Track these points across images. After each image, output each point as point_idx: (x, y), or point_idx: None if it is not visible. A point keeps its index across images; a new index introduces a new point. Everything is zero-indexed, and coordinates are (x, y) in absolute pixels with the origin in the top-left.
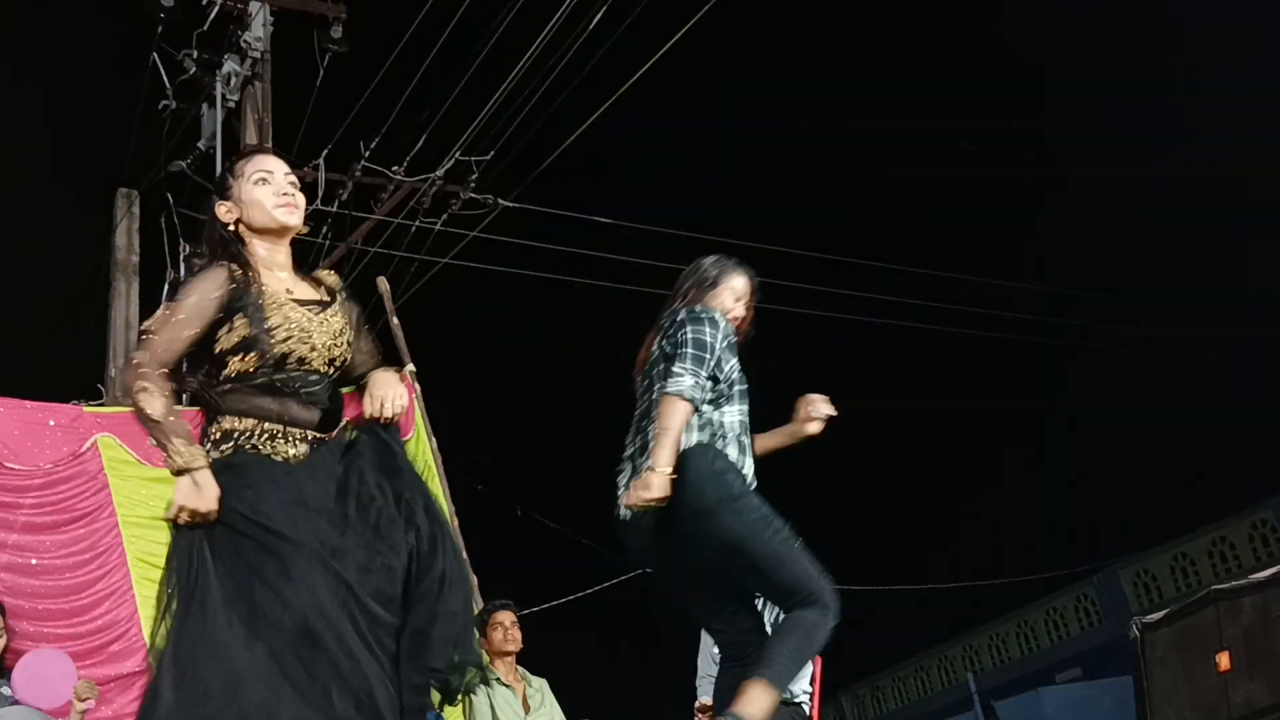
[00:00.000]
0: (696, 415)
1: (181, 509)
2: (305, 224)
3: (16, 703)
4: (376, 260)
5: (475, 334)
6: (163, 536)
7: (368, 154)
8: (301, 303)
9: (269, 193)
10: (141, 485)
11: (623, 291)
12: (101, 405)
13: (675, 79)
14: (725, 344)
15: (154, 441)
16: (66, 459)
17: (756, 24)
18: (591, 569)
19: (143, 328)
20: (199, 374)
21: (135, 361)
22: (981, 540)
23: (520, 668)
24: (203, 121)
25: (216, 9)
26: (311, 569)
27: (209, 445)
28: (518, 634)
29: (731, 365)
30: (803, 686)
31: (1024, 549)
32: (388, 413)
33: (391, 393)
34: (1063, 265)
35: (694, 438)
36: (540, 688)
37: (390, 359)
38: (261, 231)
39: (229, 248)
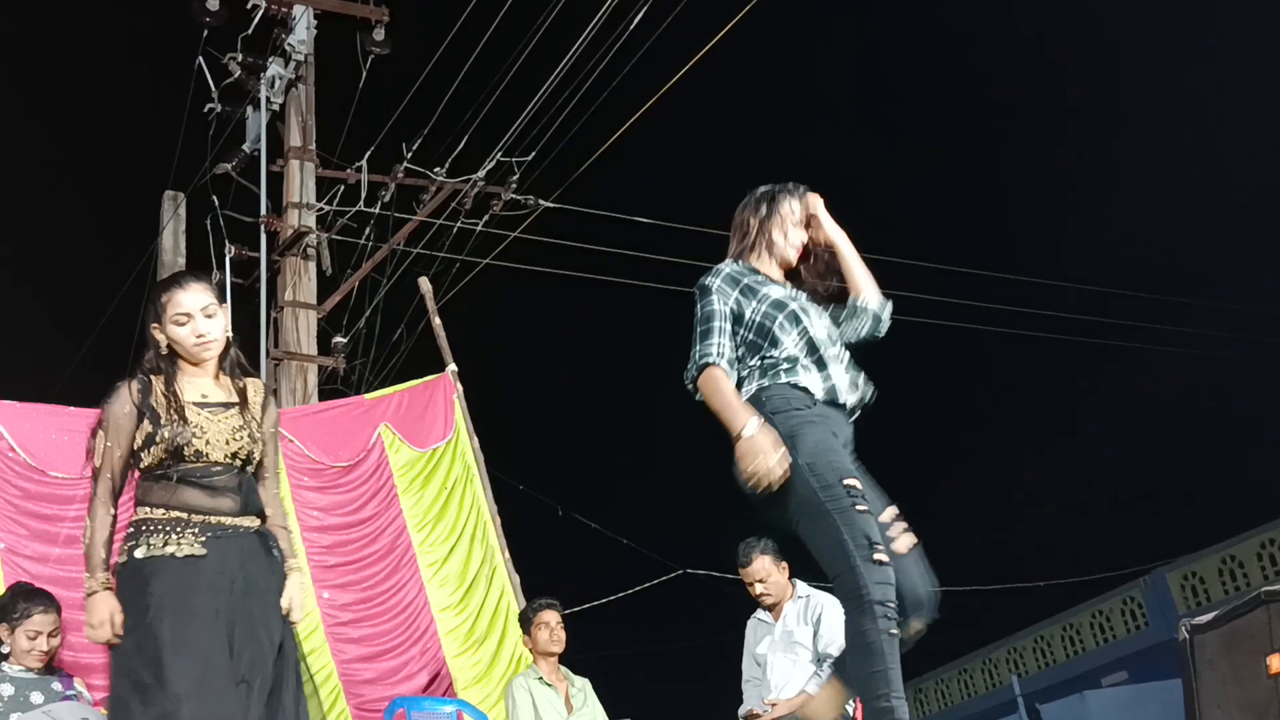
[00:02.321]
0: (745, 368)
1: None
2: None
3: (68, 698)
4: (419, 261)
5: (517, 334)
6: None
7: (410, 156)
8: (203, 405)
9: (187, 333)
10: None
11: (664, 292)
12: None
13: (716, 79)
14: (733, 292)
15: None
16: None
17: (798, 24)
18: (633, 569)
19: (91, 463)
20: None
21: (92, 494)
22: (1026, 542)
23: (563, 667)
24: (247, 124)
25: (261, 13)
26: (201, 630)
27: (127, 538)
28: (562, 634)
29: (757, 301)
30: None
31: (1070, 551)
32: (294, 618)
33: (298, 603)
34: (1103, 262)
35: (750, 388)
36: (583, 688)
37: (432, 359)
38: (184, 359)
39: (155, 361)
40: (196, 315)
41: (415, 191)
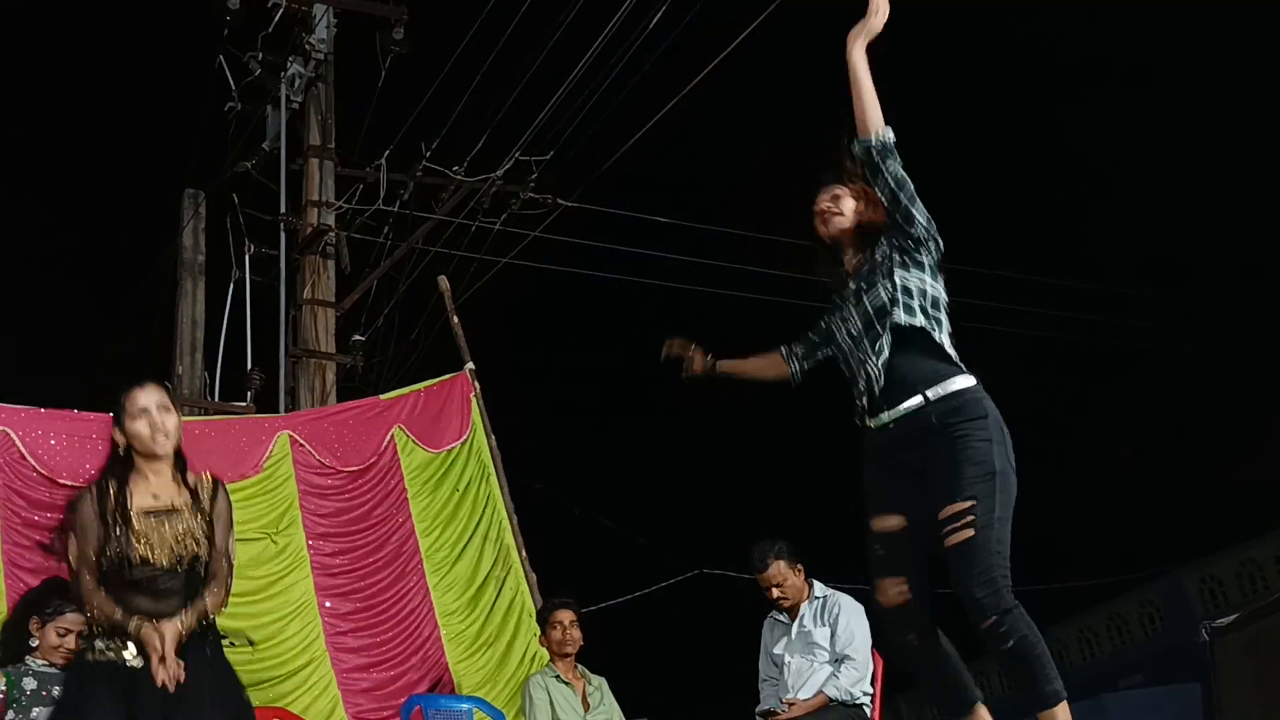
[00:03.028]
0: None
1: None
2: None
3: None
4: (437, 260)
5: (534, 333)
6: None
7: (429, 154)
8: (151, 512)
9: (144, 427)
10: None
11: (682, 291)
12: None
13: (736, 80)
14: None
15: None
16: None
17: (820, 24)
18: (650, 568)
19: (65, 564)
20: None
21: (81, 588)
22: (1043, 544)
23: (580, 666)
24: (267, 123)
25: (281, 12)
26: None
27: (79, 637)
28: (577, 633)
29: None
30: (863, 688)
31: (1086, 553)
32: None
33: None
34: (1118, 260)
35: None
36: (600, 686)
37: (450, 358)
38: (142, 454)
39: (116, 461)
40: (152, 409)
41: (434, 190)
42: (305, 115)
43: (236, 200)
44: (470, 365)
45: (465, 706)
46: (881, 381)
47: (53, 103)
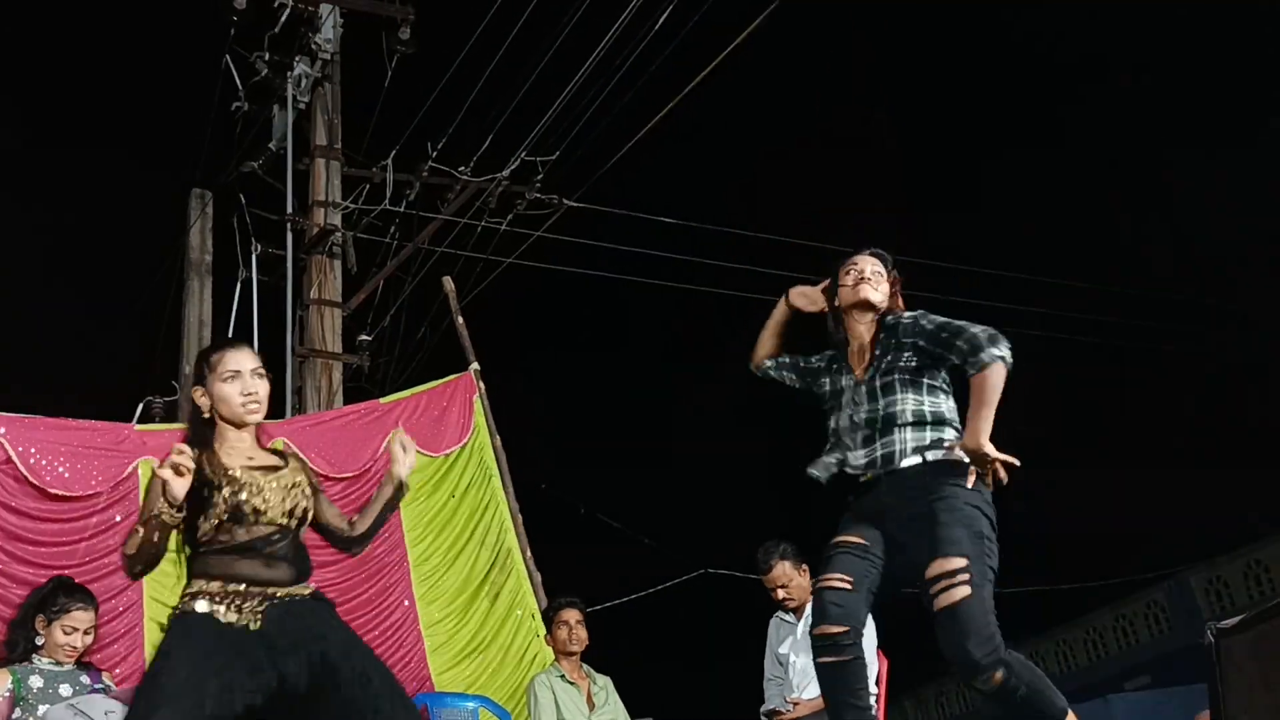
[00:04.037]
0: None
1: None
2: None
3: (96, 691)
4: (442, 260)
5: (539, 333)
6: (178, 581)
7: (435, 154)
8: (254, 468)
9: (236, 390)
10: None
11: (687, 292)
12: (151, 424)
13: (742, 79)
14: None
15: (140, 533)
16: (108, 493)
17: (825, 23)
18: (654, 568)
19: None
20: (185, 548)
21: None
22: (1049, 545)
23: (585, 665)
24: (274, 123)
25: (288, 12)
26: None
27: (183, 598)
28: (583, 633)
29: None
30: (869, 687)
31: (1093, 554)
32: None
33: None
34: (1124, 263)
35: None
36: (605, 685)
37: (455, 357)
38: (228, 421)
39: (197, 425)
40: (246, 373)
41: (440, 190)
42: (312, 115)
43: (243, 200)
44: (475, 365)
45: (471, 705)
46: (876, 464)
47: (59, 103)
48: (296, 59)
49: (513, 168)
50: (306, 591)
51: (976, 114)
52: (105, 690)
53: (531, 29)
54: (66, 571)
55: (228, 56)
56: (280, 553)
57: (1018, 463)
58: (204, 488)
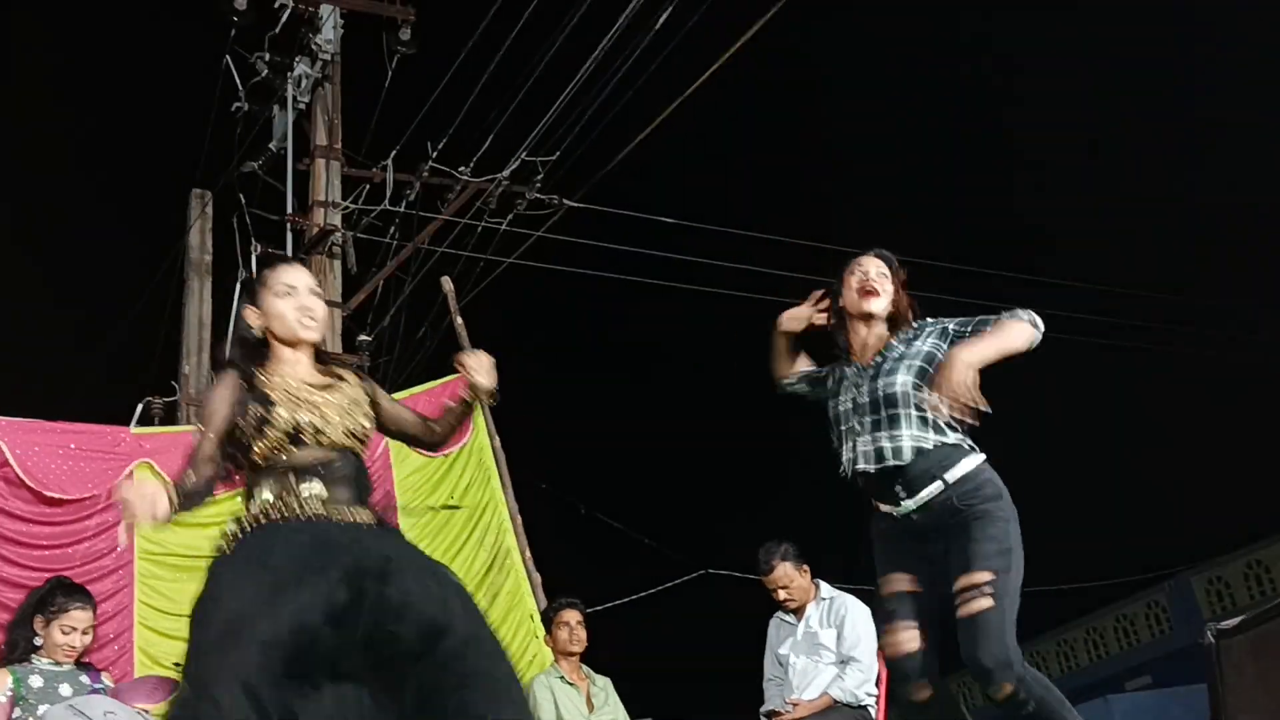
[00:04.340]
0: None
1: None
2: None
3: (95, 691)
4: (442, 260)
5: (539, 333)
6: (171, 586)
7: (435, 155)
8: (311, 386)
9: (291, 306)
10: (169, 530)
11: (687, 292)
12: (149, 426)
13: (743, 79)
14: None
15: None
16: (105, 496)
17: (827, 24)
18: (655, 568)
19: (190, 455)
20: (239, 471)
21: (183, 471)
22: (1050, 545)
23: (584, 666)
24: (274, 123)
25: (288, 12)
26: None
27: (234, 523)
28: (583, 634)
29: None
30: (868, 690)
31: (1094, 555)
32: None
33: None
34: (1124, 259)
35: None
36: (604, 686)
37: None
38: (282, 340)
39: (248, 348)
40: (301, 289)
41: (440, 191)
42: (312, 116)
43: (243, 200)
44: None
45: None
46: (878, 455)
47: (59, 102)
48: (297, 59)
49: (513, 168)
50: (370, 517)
51: (978, 115)
52: (105, 690)
53: (532, 29)
54: (61, 574)
55: (228, 57)
56: (341, 474)
57: (987, 409)
58: (260, 405)
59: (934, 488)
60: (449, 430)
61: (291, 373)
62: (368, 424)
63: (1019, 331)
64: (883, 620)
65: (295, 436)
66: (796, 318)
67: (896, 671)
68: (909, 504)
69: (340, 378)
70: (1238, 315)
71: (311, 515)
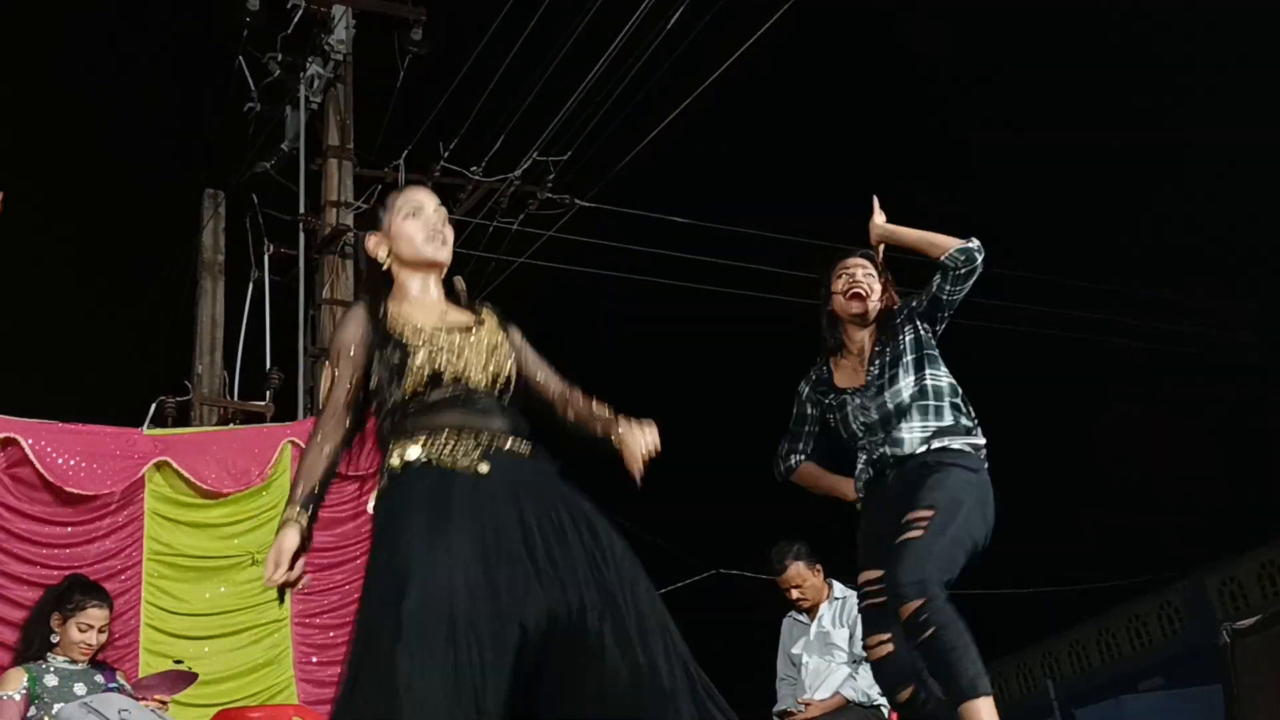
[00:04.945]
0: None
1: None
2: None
3: (110, 690)
4: (454, 260)
5: (551, 333)
6: (178, 587)
7: (447, 154)
8: (450, 329)
9: (418, 227)
10: (178, 531)
11: (700, 292)
12: (162, 427)
13: (753, 78)
14: None
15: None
16: (119, 496)
17: (838, 21)
18: (666, 569)
19: (322, 407)
20: (376, 413)
21: (316, 420)
22: (1062, 545)
23: None
24: (286, 123)
25: (300, 12)
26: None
27: (384, 477)
28: None
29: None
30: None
31: (1106, 555)
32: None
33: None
34: (1136, 259)
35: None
36: None
37: None
38: (411, 264)
39: (374, 280)
40: (429, 208)
41: (452, 190)
42: (324, 116)
43: (256, 200)
44: None
45: None
46: (890, 460)
47: (71, 102)
48: (309, 60)
49: (525, 168)
50: (527, 449)
51: (980, 114)
52: (119, 689)
53: (544, 29)
54: (78, 573)
55: (240, 57)
56: (487, 405)
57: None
58: (394, 351)
59: (915, 439)
60: (578, 420)
61: (423, 307)
62: (511, 369)
63: (955, 240)
64: (862, 619)
65: (436, 380)
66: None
67: (878, 675)
68: (886, 449)
69: (477, 317)
70: (1255, 315)
71: (462, 447)
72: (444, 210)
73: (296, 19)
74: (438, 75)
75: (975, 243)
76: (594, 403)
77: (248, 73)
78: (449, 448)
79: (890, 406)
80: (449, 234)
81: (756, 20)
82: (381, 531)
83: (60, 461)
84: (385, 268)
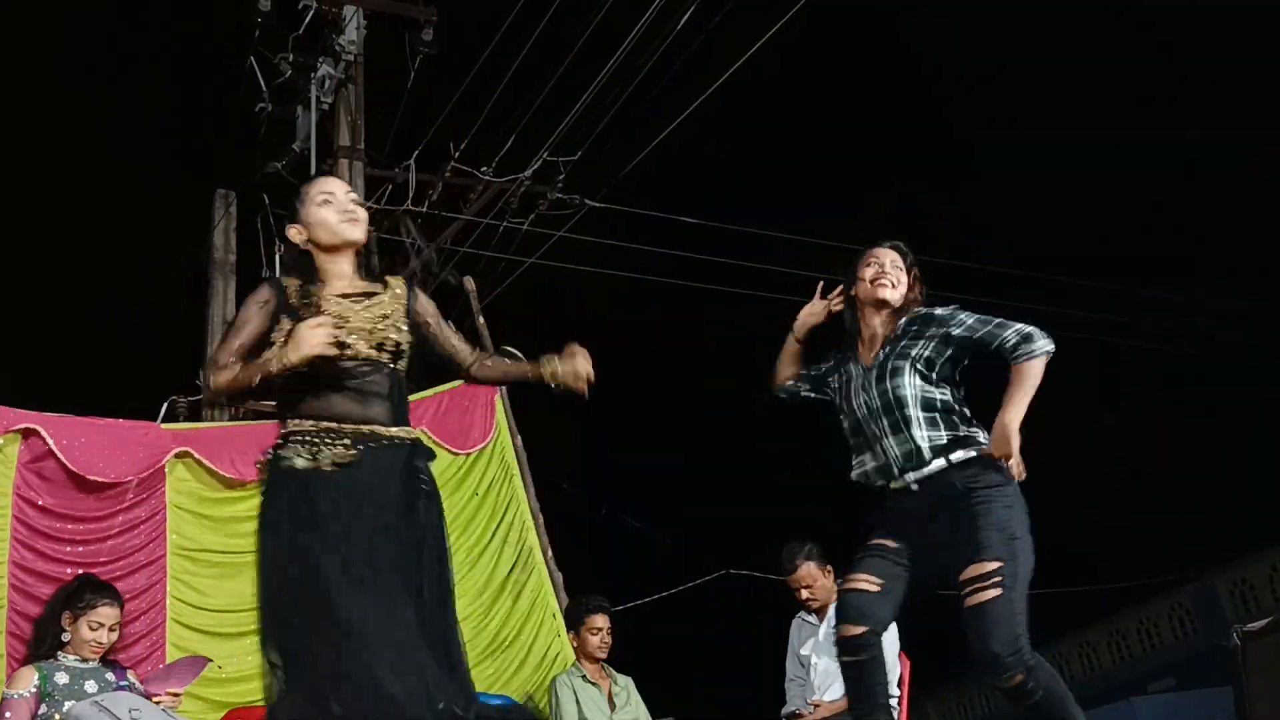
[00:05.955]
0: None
1: (312, 345)
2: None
3: (120, 689)
4: (464, 260)
5: (560, 333)
6: (203, 582)
7: (457, 155)
8: (345, 296)
9: (332, 211)
10: (200, 526)
11: (708, 292)
12: (178, 423)
13: (763, 79)
14: None
15: (254, 385)
16: (136, 488)
17: (845, 24)
18: (676, 568)
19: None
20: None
21: (206, 374)
22: (1072, 547)
23: (606, 665)
24: (297, 123)
25: (312, 13)
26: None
27: (278, 447)
28: (610, 639)
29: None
30: (890, 690)
31: (1117, 556)
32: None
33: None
34: (1148, 259)
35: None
36: (626, 685)
37: None
38: (329, 248)
39: (295, 263)
40: (339, 194)
41: (462, 190)
42: (335, 116)
43: (267, 200)
44: None
45: (495, 704)
46: (900, 461)
47: (83, 103)
48: (320, 60)
49: (534, 168)
50: (407, 437)
51: (983, 114)
52: (129, 687)
53: (554, 29)
54: (92, 569)
55: (252, 58)
56: (373, 388)
57: (1023, 474)
58: (287, 317)
59: (937, 464)
60: (495, 376)
61: (335, 284)
62: (400, 338)
63: (1037, 371)
64: (851, 568)
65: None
66: (815, 313)
67: (840, 607)
68: (910, 476)
69: (386, 286)
70: (1268, 317)
71: (340, 444)
72: (354, 193)
73: (308, 19)
74: (448, 75)
75: (1050, 348)
76: (508, 357)
77: (259, 73)
78: (325, 447)
79: (891, 396)
80: (362, 214)
81: (765, 21)
82: (272, 524)
83: (81, 451)
84: (304, 251)
